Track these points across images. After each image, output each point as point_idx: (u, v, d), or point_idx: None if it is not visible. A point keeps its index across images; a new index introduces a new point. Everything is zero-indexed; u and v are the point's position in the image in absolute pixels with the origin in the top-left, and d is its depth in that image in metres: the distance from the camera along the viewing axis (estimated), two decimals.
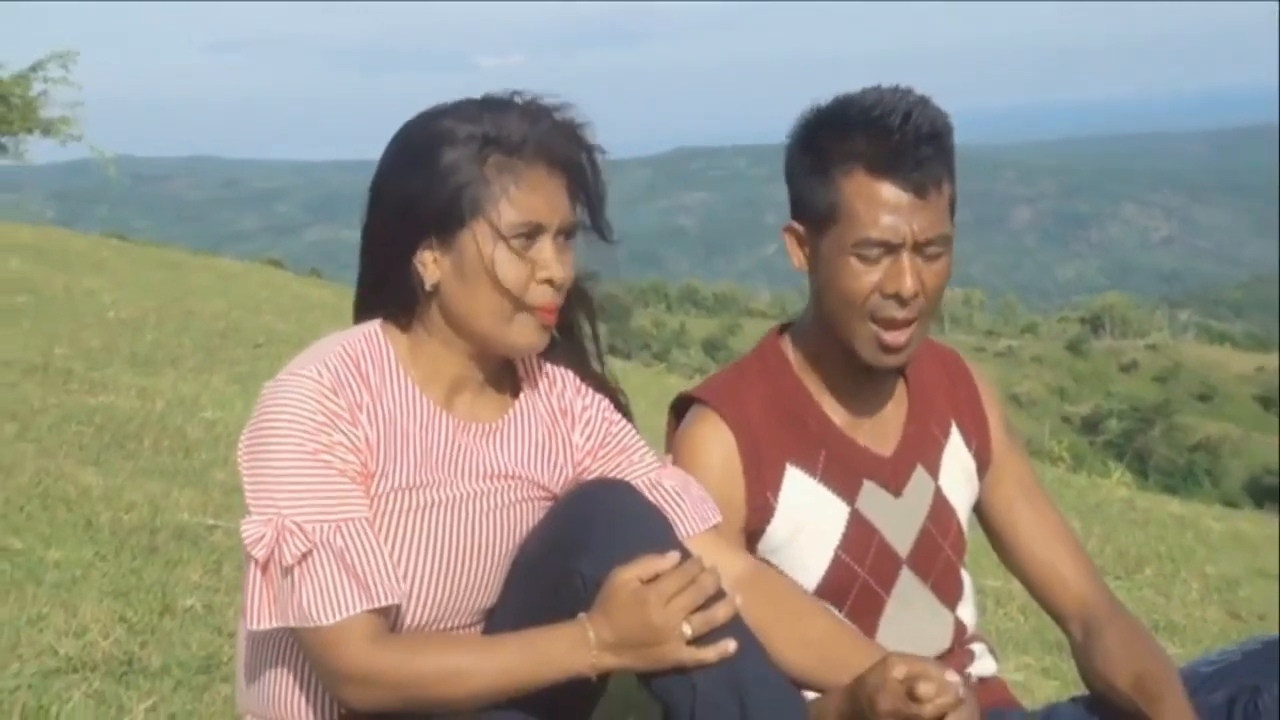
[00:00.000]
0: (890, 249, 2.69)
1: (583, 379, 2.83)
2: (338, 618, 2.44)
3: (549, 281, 2.54)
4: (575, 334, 2.81)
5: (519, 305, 2.54)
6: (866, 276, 2.71)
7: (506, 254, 2.52)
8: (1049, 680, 4.08)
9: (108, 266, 15.45)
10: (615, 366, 2.86)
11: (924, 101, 2.73)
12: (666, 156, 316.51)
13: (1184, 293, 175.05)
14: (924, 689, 2.44)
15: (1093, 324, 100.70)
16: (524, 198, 2.52)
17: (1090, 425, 73.03)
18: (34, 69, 30.85)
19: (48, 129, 30.60)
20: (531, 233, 2.53)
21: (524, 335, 2.58)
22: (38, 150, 31.43)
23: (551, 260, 2.54)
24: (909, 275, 2.69)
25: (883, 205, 2.68)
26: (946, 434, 3.02)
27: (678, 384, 3.67)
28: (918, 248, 2.70)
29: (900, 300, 2.70)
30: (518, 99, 2.60)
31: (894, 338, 2.75)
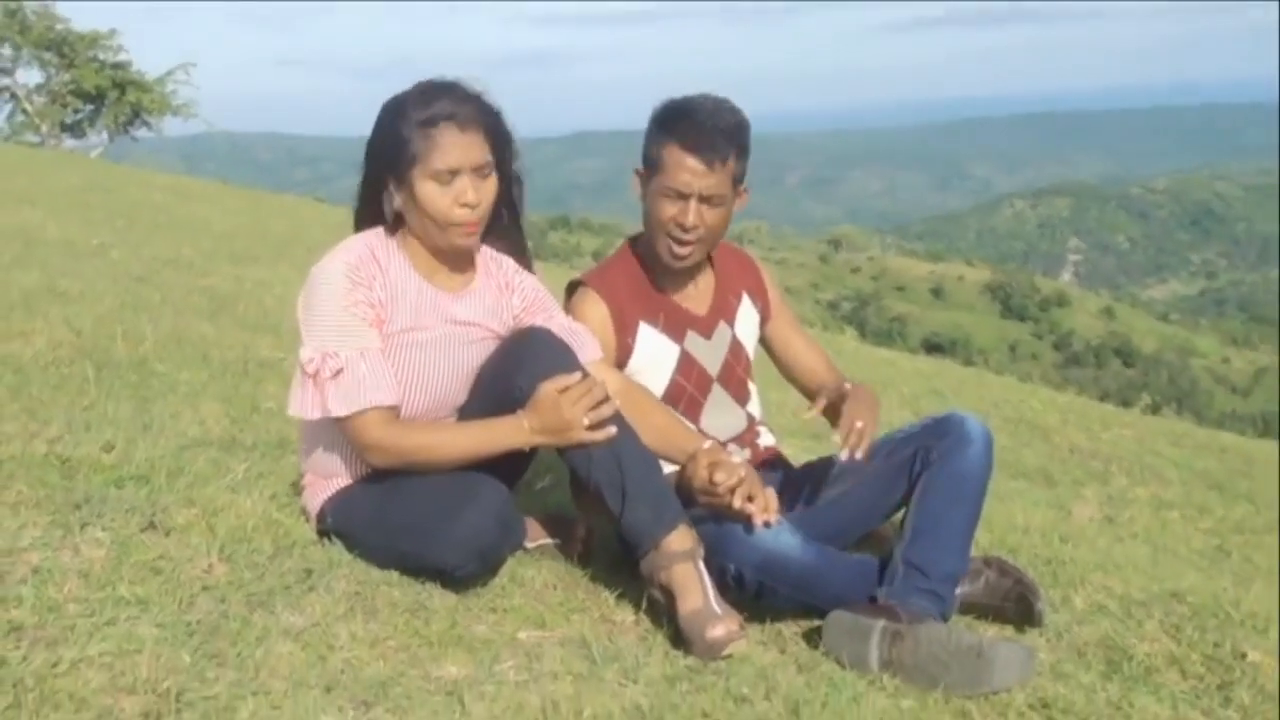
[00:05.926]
0: (684, 196, 2.76)
1: (518, 262, 2.79)
2: (357, 409, 2.47)
3: (465, 205, 2.52)
4: (517, 239, 2.78)
5: (447, 222, 2.53)
6: (669, 210, 2.78)
7: (433, 190, 2.50)
8: (807, 454, 4.11)
9: (215, 200, 15.08)
10: (537, 267, 2.84)
11: (729, 108, 2.79)
12: (571, 136, 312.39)
13: (889, 225, 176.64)
14: (718, 475, 2.53)
15: (835, 245, 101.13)
16: (443, 153, 2.48)
17: (832, 306, 73.84)
18: (168, 74, 30.51)
19: (176, 112, 30.24)
20: (452, 174, 2.50)
21: (456, 240, 2.56)
22: (170, 126, 31.07)
23: (467, 190, 2.51)
24: (692, 214, 2.77)
25: (684, 169, 2.75)
26: (740, 300, 3.05)
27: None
28: (703, 199, 2.77)
29: (684, 229, 2.78)
30: (446, 84, 2.54)
31: (681, 250, 2.83)
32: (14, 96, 29.46)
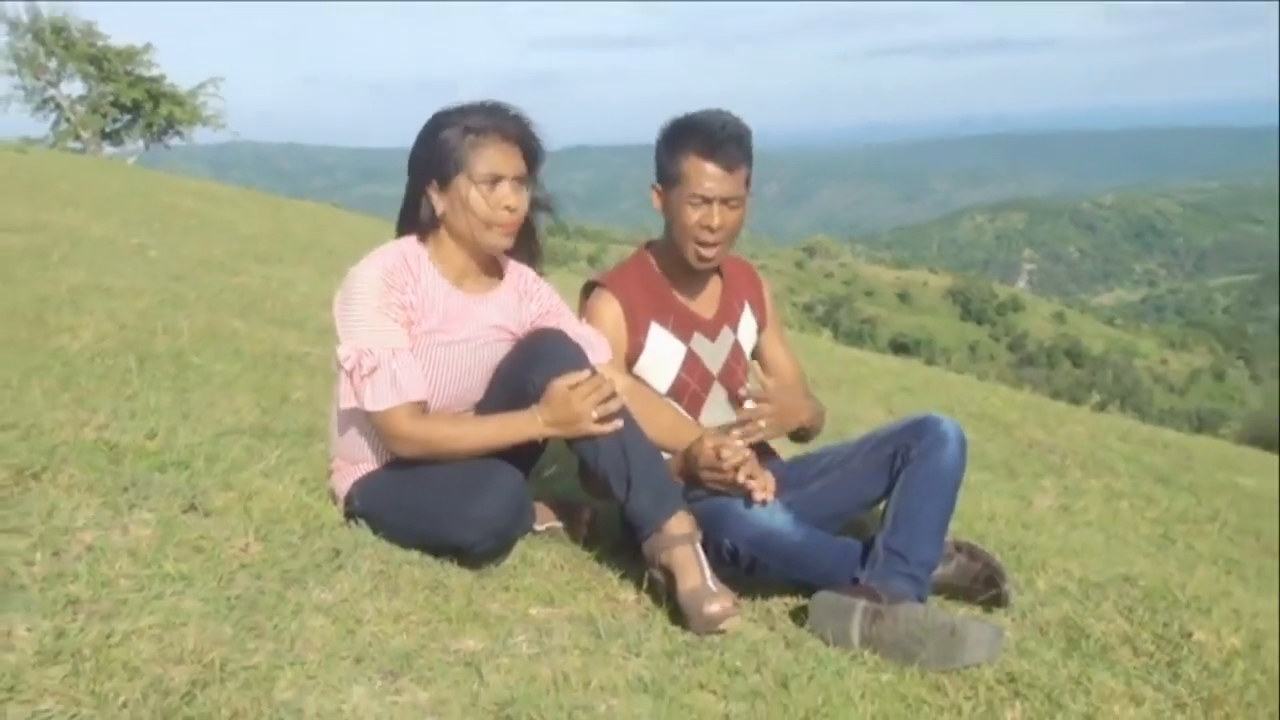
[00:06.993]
0: (707, 201, 2.75)
1: (529, 264, 2.78)
2: (390, 405, 2.46)
3: (507, 208, 2.53)
4: (533, 247, 2.75)
5: (489, 223, 2.53)
6: (694, 216, 2.76)
7: (477, 193, 2.51)
8: (792, 448, 4.11)
9: (241, 204, 14.98)
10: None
11: (734, 119, 2.78)
12: (567, 150, 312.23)
13: (859, 235, 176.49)
14: (725, 453, 2.53)
15: (809, 252, 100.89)
16: (488, 160, 2.51)
17: (808, 308, 73.52)
18: (199, 86, 30.33)
19: (206, 122, 30.05)
20: (494, 180, 2.51)
21: (494, 240, 2.56)
22: (199, 136, 30.83)
23: (508, 195, 2.53)
24: (717, 216, 2.76)
25: (705, 175, 2.73)
26: (742, 308, 3.03)
27: (573, 280, 3.64)
28: (724, 202, 2.75)
29: (711, 230, 2.76)
30: (494, 103, 2.56)
31: (707, 252, 2.80)
32: (58, 106, 29.36)
